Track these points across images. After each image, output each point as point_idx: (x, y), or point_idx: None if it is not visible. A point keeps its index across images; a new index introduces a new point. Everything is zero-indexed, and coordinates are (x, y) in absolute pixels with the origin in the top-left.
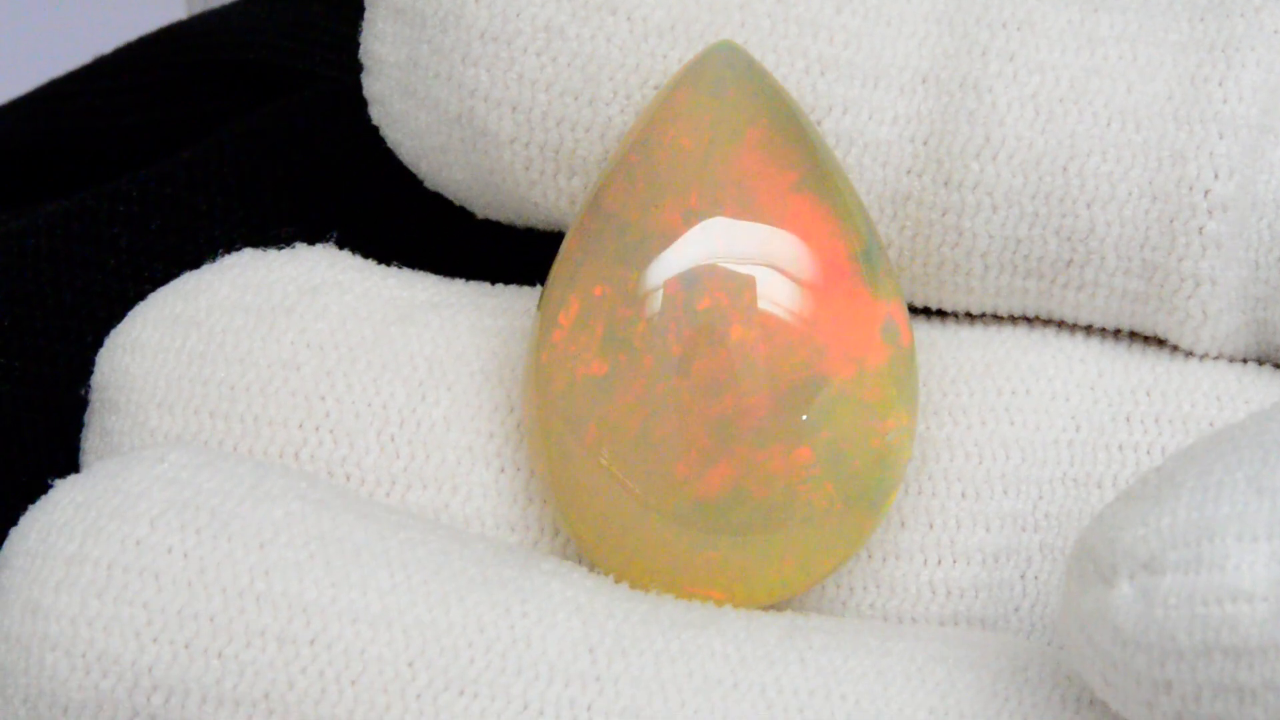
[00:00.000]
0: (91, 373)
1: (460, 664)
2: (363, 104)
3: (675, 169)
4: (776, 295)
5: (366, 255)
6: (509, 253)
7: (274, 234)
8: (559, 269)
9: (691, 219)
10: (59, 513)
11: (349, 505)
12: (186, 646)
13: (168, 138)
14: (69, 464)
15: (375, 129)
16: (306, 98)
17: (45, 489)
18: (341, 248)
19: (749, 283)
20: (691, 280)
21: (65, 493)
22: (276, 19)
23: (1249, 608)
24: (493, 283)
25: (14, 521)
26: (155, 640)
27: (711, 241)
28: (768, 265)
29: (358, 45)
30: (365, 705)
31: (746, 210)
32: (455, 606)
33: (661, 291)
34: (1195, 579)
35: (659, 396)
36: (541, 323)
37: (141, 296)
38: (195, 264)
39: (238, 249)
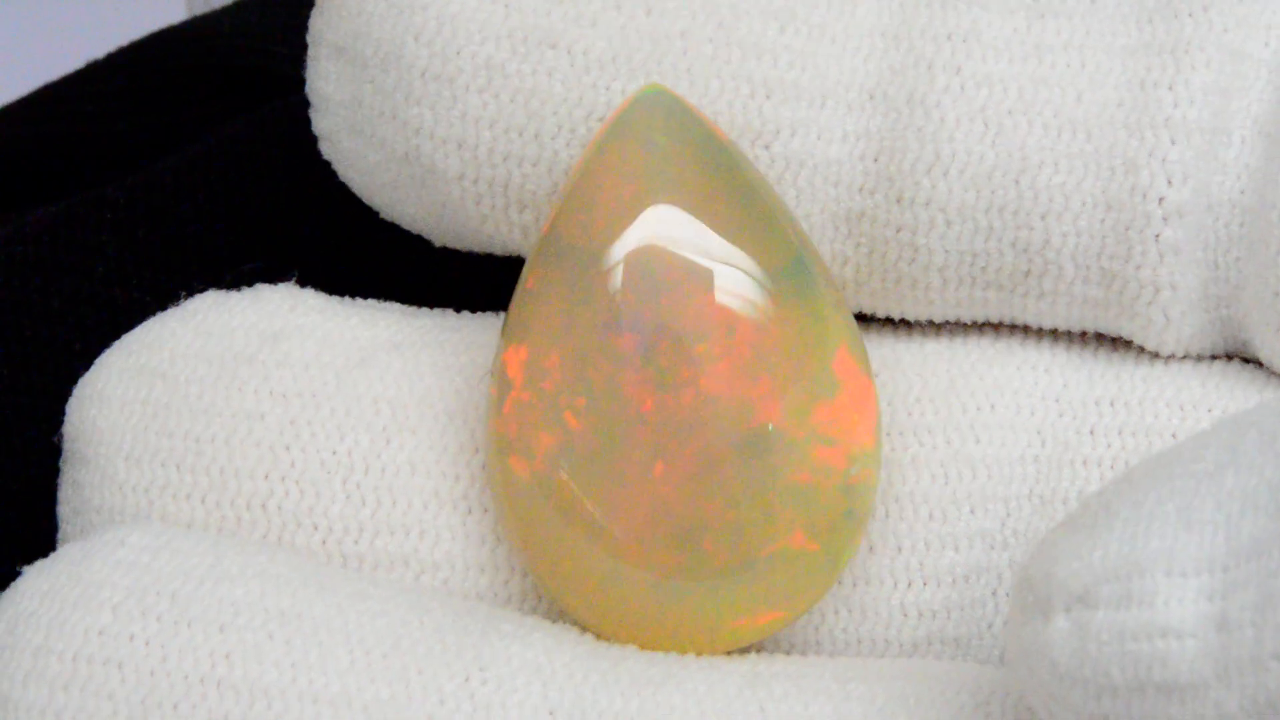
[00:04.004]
0: (71, 393)
1: None
2: None
3: (616, 218)
4: (731, 331)
5: (350, 261)
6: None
7: (236, 272)
8: (513, 323)
9: (639, 264)
10: (25, 603)
11: (308, 577)
12: None
13: (162, 142)
14: (56, 470)
15: None
16: (295, 103)
17: (35, 501)
18: (306, 278)
19: (700, 324)
20: (652, 329)
21: (32, 581)
22: (270, 23)
23: (1178, 644)
24: (471, 282)
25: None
26: None
27: (669, 290)
28: (726, 312)
29: None
30: None
31: (693, 249)
32: (415, 680)
33: (622, 343)
34: (1126, 614)
35: (625, 448)
36: (498, 382)
37: (130, 303)
38: (183, 271)
39: (203, 285)
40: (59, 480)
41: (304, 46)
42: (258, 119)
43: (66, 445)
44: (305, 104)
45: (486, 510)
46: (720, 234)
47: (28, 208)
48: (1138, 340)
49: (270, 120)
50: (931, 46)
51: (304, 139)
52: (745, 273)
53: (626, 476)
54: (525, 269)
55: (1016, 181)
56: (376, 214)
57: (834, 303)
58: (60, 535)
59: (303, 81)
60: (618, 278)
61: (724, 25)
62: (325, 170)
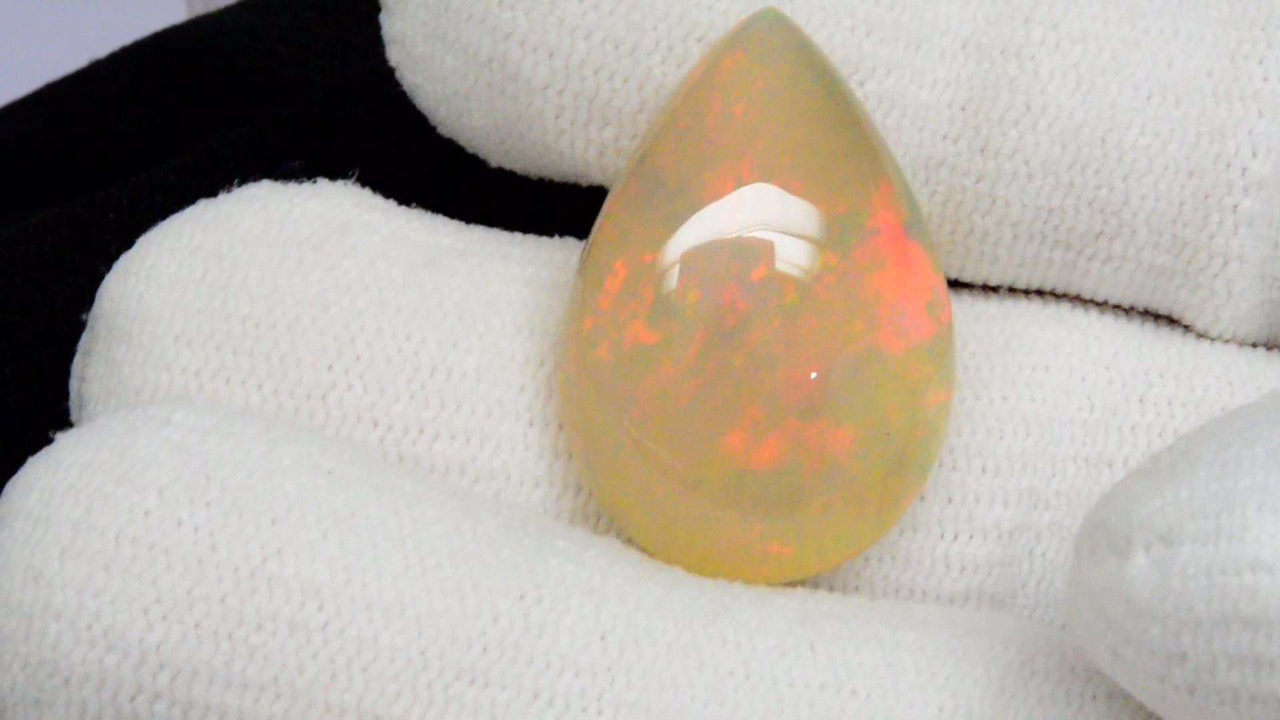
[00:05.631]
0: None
1: (473, 654)
2: (356, 110)
3: (727, 135)
4: (830, 267)
5: None
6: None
7: (287, 167)
8: (603, 233)
9: (744, 186)
10: (63, 474)
11: (363, 474)
12: (196, 627)
13: (163, 142)
14: None
15: (368, 135)
16: (299, 105)
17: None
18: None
19: (804, 254)
20: (746, 250)
21: (68, 452)
22: (272, 24)
23: (1268, 578)
24: None
25: None
26: (164, 619)
27: (766, 211)
28: (822, 236)
29: (352, 51)
30: (375, 693)
31: (800, 179)
32: (469, 594)
33: (715, 261)
34: (1214, 549)
35: (710, 368)
36: (584, 288)
37: None
38: None
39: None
40: (81, 358)
41: (304, 48)
42: (262, 121)
43: (101, 322)
44: (307, 106)
45: (548, 424)
46: (831, 170)
47: (28, 208)
48: (1190, 316)
49: (274, 122)
50: (1029, 0)
51: (309, 140)
52: (856, 210)
53: (717, 390)
54: (625, 172)
55: (1103, 140)
56: None
57: (930, 244)
58: (82, 415)
59: (304, 82)
60: (725, 198)
61: None
62: (329, 173)
